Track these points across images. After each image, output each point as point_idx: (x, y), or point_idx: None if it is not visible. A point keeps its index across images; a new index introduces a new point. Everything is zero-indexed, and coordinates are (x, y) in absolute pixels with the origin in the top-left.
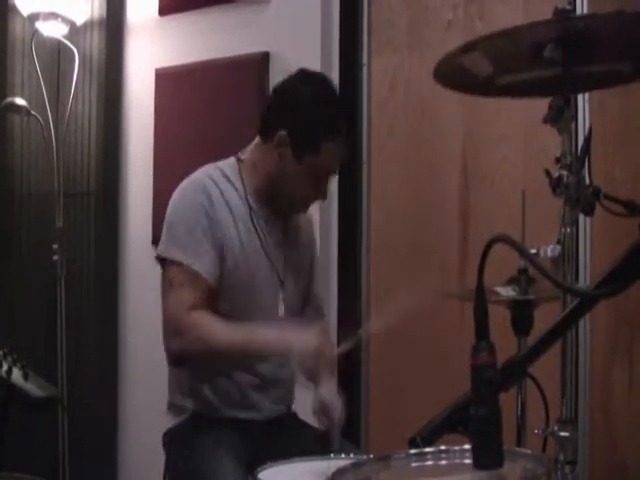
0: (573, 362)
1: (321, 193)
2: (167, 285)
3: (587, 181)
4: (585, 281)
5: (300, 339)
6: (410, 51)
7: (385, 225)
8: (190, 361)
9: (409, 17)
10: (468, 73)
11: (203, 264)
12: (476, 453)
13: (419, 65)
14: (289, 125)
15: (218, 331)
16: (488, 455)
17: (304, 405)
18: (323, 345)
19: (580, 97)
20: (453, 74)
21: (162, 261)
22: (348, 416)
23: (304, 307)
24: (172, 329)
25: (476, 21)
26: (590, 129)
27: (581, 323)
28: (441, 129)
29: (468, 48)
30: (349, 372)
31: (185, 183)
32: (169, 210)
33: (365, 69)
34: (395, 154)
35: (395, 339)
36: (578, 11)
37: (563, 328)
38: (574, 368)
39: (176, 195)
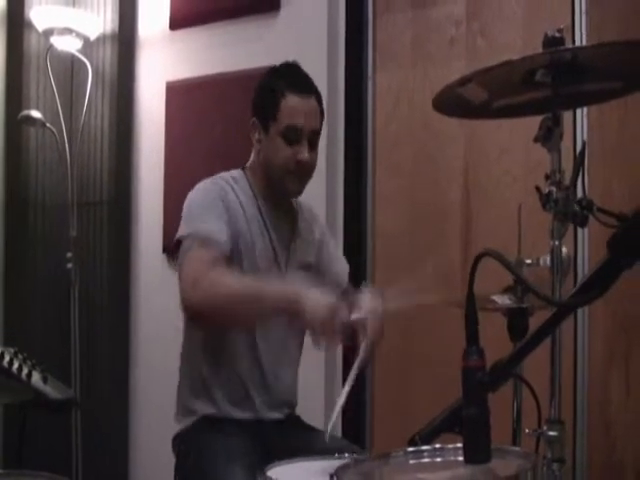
0: (571, 366)
1: (298, 155)
2: (185, 252)
3: (581, 194)
4: None
5: (313, 296)
6: (414, 66)
7: (389, 235)
8: (205, 317)
9: (413, 33)
10: (465, 101)
11: (220, 234)
12: (467, 449)
13: (422, 80)
14: (254, 107)
15: (234, 279)
16: (478, 451)
17: (307, 409)
18: (335, 305)
19: (579, 111)
20: (451, 103)
21: (180, 243)
22: (354, 415)
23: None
24: (189, 281)
25: (478, 38)
26: (584, 144)
27: (579, 329)
28: (444, 142)
29: (464, 81)
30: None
31: (201, 182)
32: (186, 202)
33: (370, 83)
34: (399, 166)
35: (399, 345)
36: (577, 34)
37: (544, 333)
38: (572, 372)
39: (193, 190)
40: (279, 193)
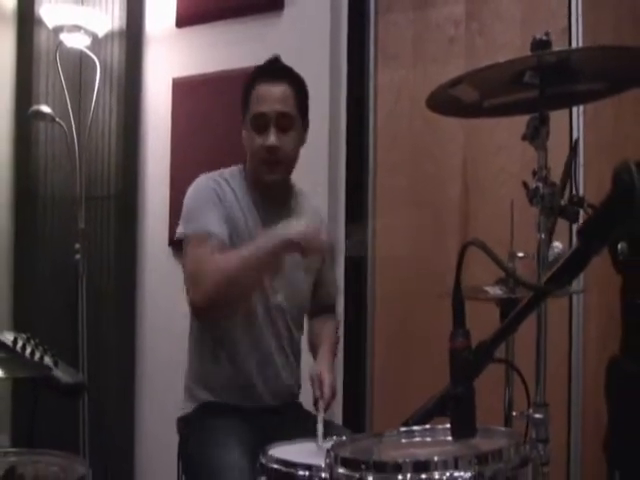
0: (566, 354)
1: (266, 141)
2: (186, 252)
3: (574, 191)
4: (579, 282)
5: (290, 226)
6: (414, 65)
7: (390, 231)
8: (215, 307)
9: (413, 33)
10: (457, 100)
11: (217, 226)
12: (453, 425)
13: (423, 78)
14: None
15: (227, 256)
16: (464, 426)
17: (308, 398)
18: (312, 226)
19: (574, 109)
20: (444, 103)
21: (181, 241)
22: (354, 403)
23: (316, 292)
24: (194, 277)
25: (476, 38)
26: (576, 142)
27: (575, 319)
28: (443, 139)
29: (455, 82)
30: (355, 362)
31: (198, 179)
32: (184, 201)
33: (372, 82)
34: (399, 162)
35: (398, 334)
36: (573, 35)
37: (522, 316)
38: (567, 359)
39: (190, 188)
40: (261, 183)
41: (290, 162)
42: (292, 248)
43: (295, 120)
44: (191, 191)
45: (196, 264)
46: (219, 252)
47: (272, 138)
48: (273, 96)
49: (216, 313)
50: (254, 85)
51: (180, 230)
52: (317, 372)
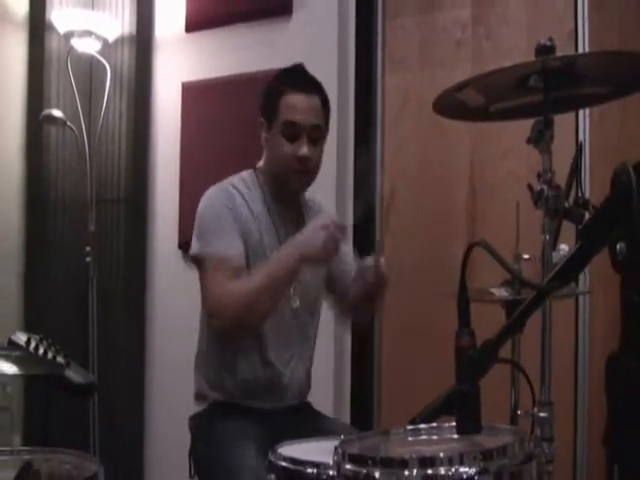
0: (572, 353)
1: (298, 151)
2: (204, 275)
3: (579, 193)
4: (585, 282)
5: (304, 238)
6: (421, 69)
7: (398, 234)
8: (242, 328)
9: (421, 37)
10: (463, 104)
11: (232, 249)
12: (459, 421)
13: (430, 82)
14: (260, 107)
15: (244, 279)
16: (469, 423)
17: (317, 399)
18: (322, 226)
19: (580, 112)
20: (451, 107)
21: (197, 260)
22: (361, 402)
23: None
24: (215, 309)
25: (483, 41)
26: (581, 145)
27: (581, 320)
28: (450, 143)
29: (461, 86)
30: (362, 361)
31: (210, 190)
32: (197, 214)
33: (379, 85)
34: (407, 167)
35: (406, 334)
36: (580, 38)
37: (526, 315)
38: (573, 358)
39: (203, 200)
40: (284, 190)
41: (316, 173)
42: (311, 263)
43: (324, 133)
44: (204, 207)
45: (216, 296)
46: (236, 277)
47: (305, 149)
48: (307, 107)
49: (244, 334)
50: (284, 91)
51: (195, 250)
52: (367, 263)
